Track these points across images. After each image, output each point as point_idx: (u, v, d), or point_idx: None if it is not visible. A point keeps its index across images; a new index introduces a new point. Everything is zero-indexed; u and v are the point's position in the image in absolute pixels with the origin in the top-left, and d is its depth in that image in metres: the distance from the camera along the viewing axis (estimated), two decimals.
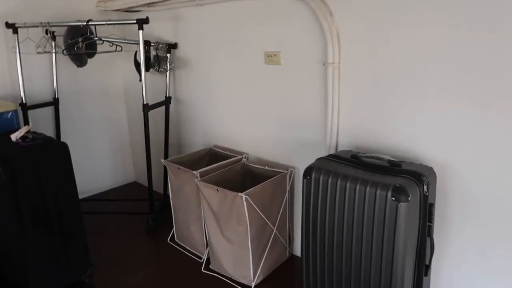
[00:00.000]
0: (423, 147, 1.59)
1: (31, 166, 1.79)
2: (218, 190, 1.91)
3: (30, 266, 1.85)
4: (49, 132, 2.86)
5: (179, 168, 2.18)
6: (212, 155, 2.50)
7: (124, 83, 3.20)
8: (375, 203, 1.38)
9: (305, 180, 1.57)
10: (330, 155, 1.64)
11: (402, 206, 1.32)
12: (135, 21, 2.26)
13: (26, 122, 2.58)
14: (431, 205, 1.45)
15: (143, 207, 2.76)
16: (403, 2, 1.52)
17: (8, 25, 2.44)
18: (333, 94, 1.80)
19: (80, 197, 3.12)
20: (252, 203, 1.86)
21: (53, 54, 2.67)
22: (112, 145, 3.27)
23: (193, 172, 2.08)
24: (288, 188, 2.08)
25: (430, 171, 1.49)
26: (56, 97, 2.81)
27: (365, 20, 1.64)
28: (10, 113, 2.29)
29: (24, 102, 2.55)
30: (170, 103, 2.73)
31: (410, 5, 1.50)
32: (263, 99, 2.16)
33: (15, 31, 2.45)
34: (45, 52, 2.38)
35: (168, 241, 2.45)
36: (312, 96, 1.92)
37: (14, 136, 1.92)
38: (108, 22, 2.30)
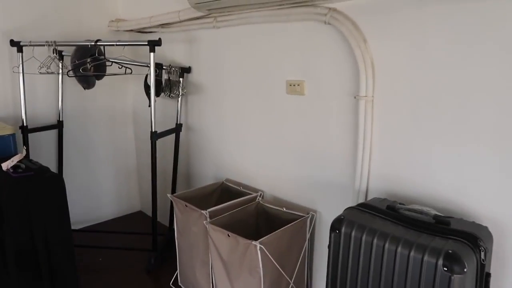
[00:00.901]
0: (474, 199, 1.34)
1: (19, 201, 1.59)
2: (229, 236, 1.67)
3: None
4: (51, 156, 2.68)
5: (186, 206, 1.95)
6: (224, 191, 2.27)
7: (133, 107, 3.03)
8: (421, 272, 1.12)
9: (333, 234, 1.33)
10: (362, 205, 1.40)
11: (456, 278, 1.07)
12: (146, 43, 2.08)
13: (26, 146, 2.40)
14: (488, 276, 1.19)
15: (146, 241, 2.53)
16: (451, 28, 1.30)
17: (13, 43, 2.29)
18: (365, 131, 1.57)
19: (81, 226, 2.96)
20: (267, 253, 1.61)
21: (60, 75, 2.51)
22: (118, 172, 3.07)
23: (202, 211, 1.85)
24: (308, 235, 1.83)
25: (486, 231, 1.24)
26: (61, 119, 2.64)
27: (405, 47, 1.43)
28: (7, 137, 2.11)
29: (25, 124, 2.38)
30: (181, 131, 2.53)
31: (462, 33, 1.28)
32: (282, 132, 1.94)
33: (20, 49, 2.29)
34: (48, 72, 2.21)
35: (171, 285, 2.20)
36: (339, 132, 1.69)
37: (5, 165, 1.72)
38: (118, 43, 2.13)
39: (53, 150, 2.69)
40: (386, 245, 1.19)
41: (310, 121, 1.81)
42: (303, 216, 1.82)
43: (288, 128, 1.91)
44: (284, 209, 1.90)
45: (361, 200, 1.64)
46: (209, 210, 1.86)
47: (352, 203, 1.68)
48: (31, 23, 2.46)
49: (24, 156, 1.90)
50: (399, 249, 1.16)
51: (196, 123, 2.47)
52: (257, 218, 2.01)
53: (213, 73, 2.28)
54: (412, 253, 1.13)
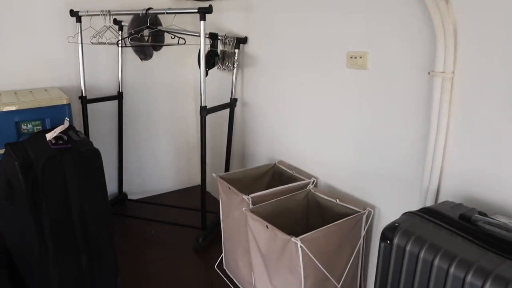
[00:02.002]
0: None
1: (55, 172, 1.55)
2: (267, 227, 1.49)
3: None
4: (111, 127, 2.70)
5: (229, 188, 1.80)
6: (276, 174, 2.07)
7: (194, 80, 2.92)
8: None
9: (383, 245, 1.07)
10: (426, 210, 1.11)
11: None
12: (196, 10, 1.91)
13: (85, 116, 2.42)
14: None
15: (199, 218, 2.45)
16: None
17: (72, 13, 2.28)
18: (440, 116, 1.25)
19: (139, 196, 3.00)
20: (309, 253, 1.39)
21: (120, 46, 2.47)
22: (178, 145, 3.02)
23: (244, 196, 1.68)
24: (363, 234, 1.57)
25: None
26: (120, 91, 2.62)
27: (503, 8, 1.07)
28: (62, 107, 2.12)
29: (84, 95, 2.39)
30: (235, 106, 2.36)
31: None
32: (340, 112, 1.67)
33: (79, 19, 2.27)
34: (99, 43, 2.17)
35: (215, 267, 2.10)
36: (407, 115, 1.38)
37: (49, 136, 1.71)
38: (168, 11, 1.99)
39: (114, 121, 2.70)
40: (451, 270, 0.90)
41: (372, 101, 1.51)
42: (358, 212, 1.56)
43: (346, 108, 1.63)
44: (337, 201, 1.65)
45: (430, 202, 1.33)
46: (252, 195, 1.68)
47: (417, 203, 1.38)
48: None
49: (71, 127, 1.88)
50: (468, 277, 0.87)
51: (251, 99, 2.28)
52: (307, 208, 1.79)
53: (269, 44, 2.05)
54: (487, 286, 0.84)
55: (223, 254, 2.07)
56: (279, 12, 1.93)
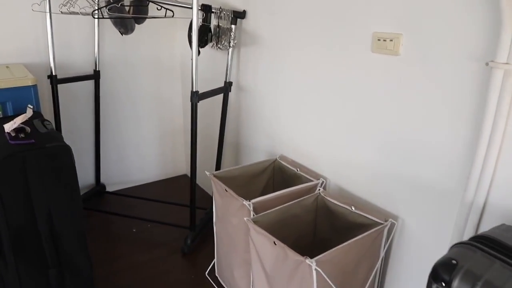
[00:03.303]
0: None
1: (14, 174, 1.26)
2: (275, 244, 1.24)
3: None
4: (87, 111, 2.38)
5: (226, 191, 1.54)
6: (277, 170, 1.82)
7: (181, 58, 2.61)
8: None
9: (435, 287, 0.84)
10: (483, 239, 0.88)
11: None
12: None
13: (55, 99, 2.10)
14: None
15: (186, 214, 2.20)
16: None
17: None
18: (497, 117, 1.01)
19: (118, 188, 2.70)
20: (325, 275, 1.16)
21: (95, 17, 2.12)
22: (162, 130, 2.73)
23: (244, 202, 1.43)
24: (383, 250, 1.35)
25: None
26: (97, 69, 2.30)
27: None
28: (27, 89, 1.80)
29: (53, 73, 2.06)
30: (230, 91, 2.08)
31: None
32: (361, 103, 1.41)
33: None
34: (70, 12, 1.83)
35: (206, 274, 1.87)
36: (450, 113, 1.14)
37: (7, 127, 1.40)
38: None
39: (90, 103, 2.38)
40: None
41: (403, 94, 1.26)
42: (379, 224, 1.33)
43: (368, 100, 1.38)
44: (353, 209, 1.42)
45: (473, 219, 1.10)
46: (254, 201, 1.43)
47: (455, 219, 1.15)
48: None
49: (37, 115, 1.58)
50: None
51: (249, 83, 2.00)
52: (315, 214, 1.55)
53: (273, 19, 1.76)
54: None
55: (215, 260, 1.83)
56: None
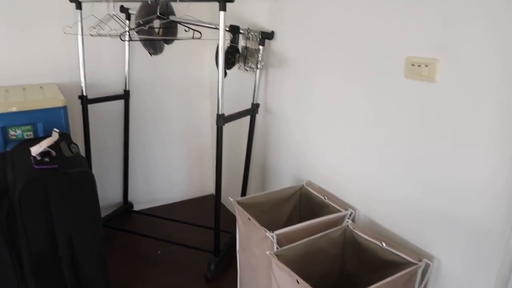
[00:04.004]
0: None
1: (37, 201, 1.26)
2: (298, 283, 1.16)
3: None
4: (116, 130, 2.40)
5: (249, 219, 1.48)
6: (303, 198, 1.74)
7: (210, 77, 2.60)
8: None
9: None
10: None
11: None
12: None
13: (86, 118, 2.13)
14: None
15: (211, 236, 2.15)
16: None
17: None
18: None
19: (145, 206, 2.69)
20: None
21: (123, 40, 2.15)
22: (190, 149, 2.72)
23: (267, 233, 1.36)
24: None
25: None
26: (127, 89, 2.32)
27: None
28: (57, 110, 1.82)
29: (84, 94, 2.09)
30: (257, 113, 2.03)
31: None
32: (392, 132, 1.32)
33: (79, 6, 1.96)
34: (98, 35, 1.85)
35: None
36: (495, 147, 1.03)
37: (34, 151, 1.41)
38: None
39: (118, 123, 2.40)
40: None
41: (441, 124, 1.16)
42: (413, 264, 1.22)
43: (401, 129, 1.29)
44: (384, 245, 1.32)
45: None
46: (278, 232, 1.36)
47: (501, 266, 1.03)
48: None
49: (64, 136, 1.59)
50: None
51: (276, 105, 1.95)
52: (343, 248, 1.46)
53: (301, 41, 1.70)
54: None
55: None
56: (315, 2, 1.58)
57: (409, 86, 1.24)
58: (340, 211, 1.52)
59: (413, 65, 1.21)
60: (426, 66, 1.17)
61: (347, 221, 1.47)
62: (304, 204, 1.74)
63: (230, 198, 1.61)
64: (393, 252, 1.29)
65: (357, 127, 1.47)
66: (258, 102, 2.01)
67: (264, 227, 1.40)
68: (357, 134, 1.47)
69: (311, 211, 1.68)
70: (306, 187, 1.73)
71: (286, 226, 1.40)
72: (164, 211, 2.60)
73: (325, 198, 1.63)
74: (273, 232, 1.35)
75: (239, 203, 1.59)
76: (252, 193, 2.29)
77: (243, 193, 2.19)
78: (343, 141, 1.55)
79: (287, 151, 1.92)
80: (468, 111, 1.08)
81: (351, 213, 1.50)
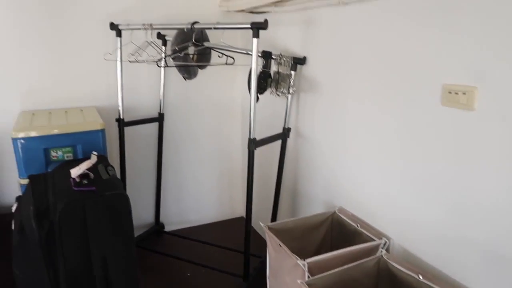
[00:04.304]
0: None
1: (76, 222, 1.30)
2: None
3: None
4: (150, 151, 2.47)
5: (280, 246, 1.46)
6: (335, 224, 1.71)
7: (241, 100, 2.64)
8: None
9: None
10: None
11: None
12: (249, 26, 1.61)
13: (122, 140, 2.20)
14: None
15: (241, 259, 2.14)
16: None
17: (112, 26, 2.06)
18: None
19: (176, 227, 2.72)
20: None
21: (160, 66, 2.22)
22: (221, 171, 2.74)
23: (299, 261, 1.34)
24: None
25: None
26: (162, 112, 2.39)
27: None
28: (96, 133, 1.90)
29: (121, 117, 2.16)
30: (288, 137, 2.04)
31: None
32: (428, 160, 1.29)
33: (119, 33, 2.06)
34: (137, 61, 1.93)
35: None
36: None
37: (74, 173, 1.47)
38: (216, 26, 1.71)
39: (152, 145, 2.47)
40: None
41: (478, 152, 1.12)
42: None
43: (438, 156, 1.25)
44: (420, 278, 1.27)
45: None
46: (310, 260, 1.34)
47: None
48: (135, 5, 2.21)
49: (102, 159, 1.64)
50: None
51: (307, 129, 1.94)
52: (377, 280, 1.41)
53: (333, 66, 1.71)
54: None
55: None
56: (347, 27, 1.59)
57: (445, 113, 1.21)
58: (373, 239, 1.48)
59: (450, 92, 1.18)
60: (464, 94, 1.14)
61: (381, 251, 1.43)
62: (336, 231, 1.70)
63: (261, 223, 1.61)
64: (431, 286, 1.24)
65: (391, 153, 1.44)
66: (290, 126, 2.02)
67: (295, 254, 1.38)
68: (391, 160, 1.45)
69: (343, 239, 1.65)
70: (338, 213, 1.70)
71: (317, 253, 1.38)
72: (194, 233, 2.61)
73: (358, 226, 1.59)
74: (304, 260, 1.33)
75: (269, 228, 1.59)
76: (282, 217, 2.27)
77: (274, 217, 2.18)
78: (376, 167, 1.53)
79: (318, 176, 1.90)
80: (507, 140, 1.04)
81: (385, 242, 1.46)
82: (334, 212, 1.71)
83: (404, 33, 1.33)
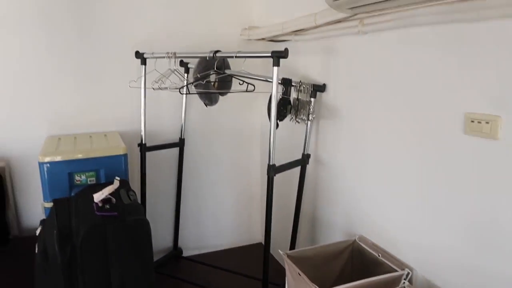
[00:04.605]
0: None
1: (97, 247, 1.32)
2: None
3: None
4: (170, 176, 2.50)
5: (299, 274, 1.44)
6: (355, 253, 1.68)
7: (261, 128, 2.66)
8: None
9: None
10: None
11: None
12: (269, 55, 1.65)
13: (143, 165, 2.24)
14: None
15: (259, 287, 2.11)
16: None
17: (137, 54, 2.14)
18: None
19: (194, 252, 2.71)
20: None
21: (182, 93, 2.28)
22: (240, 196, 2.74)
23: None
24: None
25: None
26: (182, 137, 2.43)
27: None
28: (119, 157, 1.94)
29: (143, 142, 2.21)
30: (308, 163, 2.03)
31: None
32: (451, 189, 1.27)
33: (144, 62, 2.13)
34: (160, 88, 1.98)
35: None
36: None
37: (96, 197, 1.49)
38: (238, 55, 1.76)
39: (172, 169, 2.50)
40: None
41: (503, 182, 1.10)
42: None
43: (461, 186, 1.23)
44: None
45: None
46: None
47: None
48: (161, 34, 2.30)
49: (124, 184, 1.67)
50: None
51: (327, 156, 1.94)
52: None
53: (353, 94, 1.72)
54: None
55: None
56: (368, 55, 1.61)
57: (468, 142, 1.19)
58: (396, 270, 1.44)
59: (472, 121, 1.17)
60: (487, 123, 1.13)
61: (404, 282, 1.39)
62: (356, 260, 1.67)
63: (280, 251, 1.59)
64: None
65: (413, 180, 1.42)
66: (309, 152, 2.02)
67: (314, 283, 1.35)
68: (412, 188, 1.42)
69: (364, 269, 1.61)
70: (359, 242, 1.67)
71: (337, 283, 1.35)
72: (212, 258, 2.60)
73: (379, 255, 1.56)
74: None
75: (288, 256, 1.57)
76: (301, 244, 2.24)
77: (292, 244, 2.15)
78: (398, 195, 1.50)
79: (338, 203, 1.88)
80: None
81: (408, 273, 1.42)
82: (355, 240, 1.68)
83: (424, 61, 1.33)
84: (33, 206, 2.19)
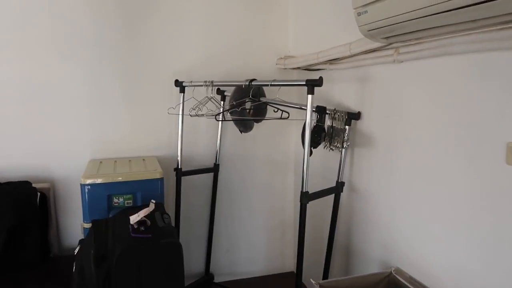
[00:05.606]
0: None
1: (131, 267, 1.34)
2: None
3: None
4: (204, 201, 2.53)
5: None
6: (391, 286, 1.61)
7: (295, 155, 2.67)
8: None
9: None
10: None
11: None
12: (304, 83, 1.67)
13: (178, 189, 2.28)
14: None
15: None
16: None
17: (177, 83, 2.23)
18: None
19: (225, 279, 2.68)
20: None
21: (218, 120, 2.34)
22: (273, 224, 2.73)
23: None
24: None
25: None
26: (217, 163, 2.47)
27: None
28: (155, 181, 2.00)
29: (179, 167, 2.27)
30: (342, 191, 2.00)
31: None
32: (497, 222, 1.21)
33: (182, 90, 2.21)
34: (197, 115, 2.04)
35: None
36: None
37: (132, 219, 1.54)
38: (273, 83, 1.79)
39: (206, 194, 2.53)
40: None
41: None
42: None
43: (506, 216, 1.17)
44: None
45: None
46: None
47: None
48: (198, 63, 2.39)
49: (159, 206, 1.71)
50: None
51: (362, 184, 1.91)
52: None
53: (389, 122, 1.70)
54: None
55: None
56: (403, 84, 1.60)
57: (510, 172, 1.15)
58: None
59: None
60: None
61: None
62: None
63: (312, 281, 1.56)
64: None
65: (453, 210, 1.37)
66: (343, 180, 1.99)
67: None
68: (453, 221, 1.37)
69: None
70: (395, 274, 1.61)
71: None
72: (243, 286, 2.57)
73: None
74: None
75: (321, 286, 1.53)
76: (334, 274, 2.18)
77: (325, 274, 2.10)
78: (437, 227, 1.45)
79: (373, 233, 1.83)
80: None
81: None
82: (391, 272, 1.62)
83: (463, 90, 1.31)
84: (74, 226, 2.27)
